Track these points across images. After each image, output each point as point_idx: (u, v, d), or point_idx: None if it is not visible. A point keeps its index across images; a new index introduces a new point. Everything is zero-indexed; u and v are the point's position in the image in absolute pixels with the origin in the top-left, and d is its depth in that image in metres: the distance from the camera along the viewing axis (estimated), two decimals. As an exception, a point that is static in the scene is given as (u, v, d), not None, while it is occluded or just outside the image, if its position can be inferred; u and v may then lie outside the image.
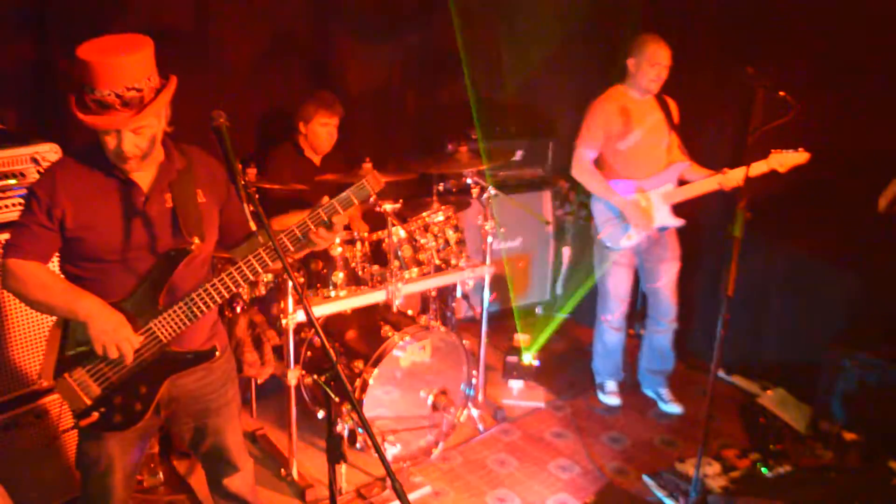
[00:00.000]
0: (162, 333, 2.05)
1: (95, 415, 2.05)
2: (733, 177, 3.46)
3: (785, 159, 3.38)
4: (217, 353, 2.18)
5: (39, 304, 2.02)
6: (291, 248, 2.10)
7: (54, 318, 2.31)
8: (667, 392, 4.00)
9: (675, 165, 3.68)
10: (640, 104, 3.64)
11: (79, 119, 1.90)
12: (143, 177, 2.06)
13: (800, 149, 3.38)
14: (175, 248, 2.06)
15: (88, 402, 2.04)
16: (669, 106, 3.70)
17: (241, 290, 2.12)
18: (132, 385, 2.08)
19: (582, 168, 3.65)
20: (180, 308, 2.05)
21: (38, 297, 2.00)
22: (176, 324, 2.05)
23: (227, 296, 2.07)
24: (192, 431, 2.32)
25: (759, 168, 3.35)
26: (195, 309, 2.05)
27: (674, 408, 3.94)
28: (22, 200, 2.59)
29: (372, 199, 3.26)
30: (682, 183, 3.68)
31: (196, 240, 2.08)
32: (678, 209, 3.68)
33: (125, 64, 1.87)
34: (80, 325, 1.98)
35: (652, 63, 3.51)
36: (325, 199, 2.09)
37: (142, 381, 2.08)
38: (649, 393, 4.08)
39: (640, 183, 3.65)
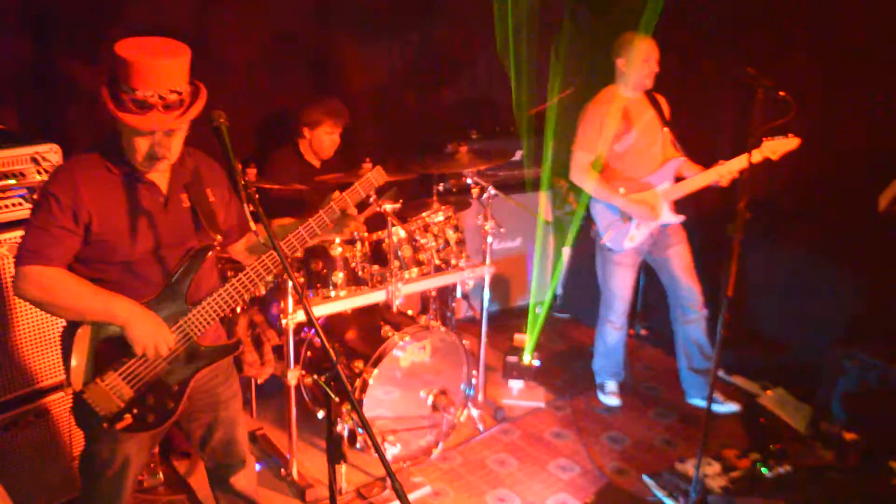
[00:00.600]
0: (192, 330, 2.08)
1: (129, 417, 2.05)
2: (730, 168, 3.46)
3: (777, 146, 3.37)
4: (241, 346, 2.22)
5: (69, 310, 1.97)
6: (309, 241, 2.17)
7: (56, 318, 2.31)
8: (718, 393, 3.87)
9: (670, 162, 3.67)
10: (633, 103, 3.63)
11: (117, 118, 1.88)
12: (160, 178, 2.08)
13: (789, 134, 3.36)
14: (200, 246, 2.10)
15: (121, 404, 2.03)
16: (660, 103, 3.70)
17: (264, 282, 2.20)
18: (163, 383, 2.10)
19: (581, 172, 3.64)
20: (209, 304, 2.08)
21: (69, 304, 1.95)
22: (206, 320, 2.09)
23: (252, 291, 2.13)
24: (204, 427, 2.34)
25: (753, 158, 3.34)
26: (224, 305, 2.09)
27: (729, 407, 3.84)
28: (21, 200, 2.59)
29: (371, 199, 3.27)
30: (678, 179, 3.67)
31: (218, 237, 2.12)
32: (678, 205, 3.68)
33: (170, 67, 1.89)
34: (109, 328, 1.97)
35: (644, 58, 3.51)
36: (337, 193, 2.16)
37: (172, 378, 2.11)
38: (698, 402, 3.91)
39: (638, 183, 3.64)
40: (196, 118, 2.03)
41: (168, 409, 2.12)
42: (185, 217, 2.11)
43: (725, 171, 3.48)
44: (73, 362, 1.99)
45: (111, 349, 2.00)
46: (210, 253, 2.12)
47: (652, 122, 3.67)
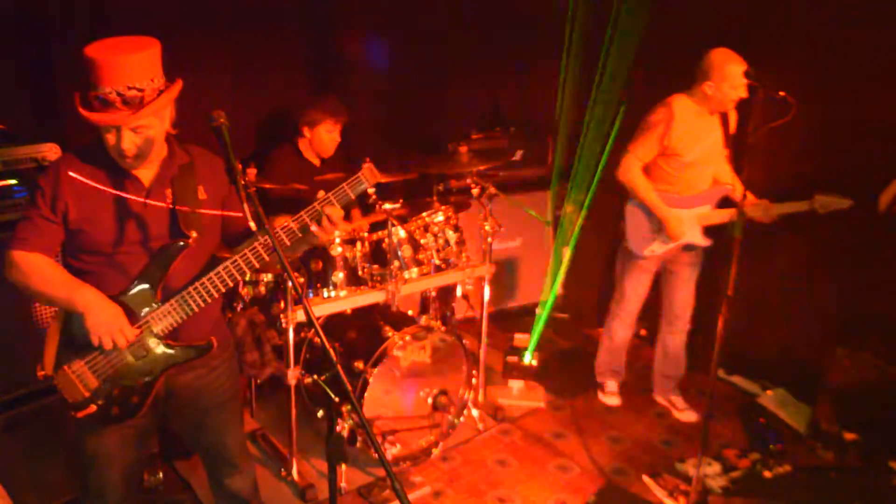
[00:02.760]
0: (159, 326, 2.07)
1: (93, 407, 2.07)
2: (772, 212, 3.41)
3: (828, 203, 3.31)
4: (214, 348, 2.18)
5: (40, 294, 2.05)
6: (288, 243, 2.10)
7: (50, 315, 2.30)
8: (680, 400, 3.98)
9: (718, 187, 3.58)
10: (703, 120, 3.47)
11: (81, 115, 1.93)
12: (146, 173, 2.09)
13: (848, 198, 3.29)
14: (172, 243, 2.09)
15: (86, 393, 2.06)
16: (730, 120, 3.52)
17: (238, 283, 2.13)
18: (130, 378, 2.09)
19: (631, 174, 3.53)
20: (176, 302, 2.07)
21: (40, 289, 2.03)
22: (173, 318, 2.08)
23: (222, 290, 2.08)
24: (193, 429, 2.33)
25: (800, 207, 3.35)
26: (191, 303, 2.07)
27: (688, 416, 3.92)
28: (22, 200, 2.59)
29: (372, 200, 3.27)
30: (722, 200, 3.58)
31: (193, 234, 2.10)
32: (708, 229, 3.62)
33: (128, 63, 1.91)
34: (78, 317, 2.00)
35: (734, 85, 3.30)
36: (321, 193, 2.11)
37: (139, 374, 2.10)
38: (662, 401, 4.05)
39: (679, 199, 3.56)
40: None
41: (132, 403, 2.11)
42: (164, 212, 2.11)
43: (771, 212, 3.42)
44: (47, 347, 2.07)
45: (81, 338, 2.02)
46: (185, 250, 2.09)
47: (716, 144, 3.52)
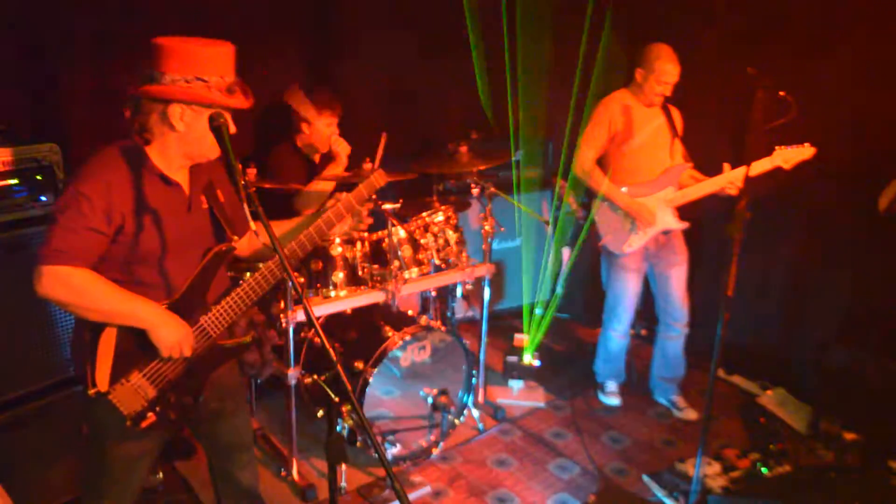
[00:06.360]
0: (212, 329, 2.11)
1: (152, 416, 2.07)
2: (736, 176, 3.44)
3: (790, 155, 3.36)
4: (254, 342, 2.29)
5: (96, 312, 1.94)
6: (320, 242, 2.26)
7: (57, 318, 2.29)
8: (680, 400, 3.98)
9: (675, 167, 3.67)
10: (641, 108, 3.65)
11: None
12: (182, 180, 2.09)
13: (805, 143, 3.36)
14: (224, 247, 2.13)
15: (145, 404, 2.06)
16: (672, 113, 3.70)
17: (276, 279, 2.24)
18: (184, 381, 2.13)
19: (585, 167, 3.66)
20: (227, 303, 2.12)
21: (97, 307, 1.93)
22: (225, 318, 2.12)
23: (266, 288, 2.15)
24: (212, 419, 2.33)
25: (762, 166, 3.35)
26: (241, 302, 2.13)
27: (689, 415, 3.92)
28: (24, 200, 2.59)
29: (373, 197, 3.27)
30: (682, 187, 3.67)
31: (236, 238, 2.17)
32: (682, 212, 3.67)
33: (231, 54, 2.06)
34: (132, 330, 1.98)
35: (659, 81, 3.50)
36: (343, 194, 2.25)
37: (192, 376, 2.14)
38: (662, 401, 4.05)
39: (642, 186, 3.64)
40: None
41: (187, 406, 2.15)
42: (204, 218, 2.14)
43: (731, 180, 3.46)
44: (100, 364, 1.98)
45: (135, 350, 2.01)
46: (231, 253, 2.15)
47: (661, 129, 3.66)
